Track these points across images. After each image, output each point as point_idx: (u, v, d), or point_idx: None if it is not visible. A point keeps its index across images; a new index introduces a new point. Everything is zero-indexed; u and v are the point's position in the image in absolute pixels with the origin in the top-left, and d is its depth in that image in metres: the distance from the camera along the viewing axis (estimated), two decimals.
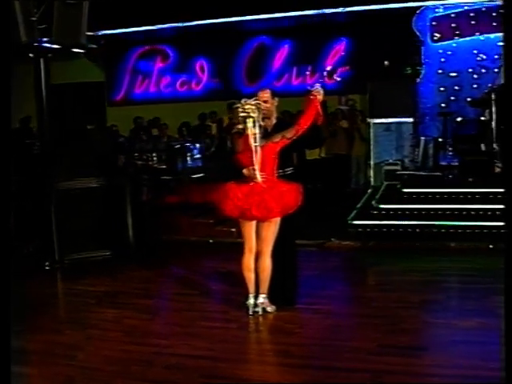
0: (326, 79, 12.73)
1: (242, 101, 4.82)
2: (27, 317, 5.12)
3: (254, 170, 4.84)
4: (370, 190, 9.68)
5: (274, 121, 5.18)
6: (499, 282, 6.22)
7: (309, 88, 5.13)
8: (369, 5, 11.29)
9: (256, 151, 4.79)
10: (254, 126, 4.79)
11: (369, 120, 10.43)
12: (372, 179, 10.26)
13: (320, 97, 4.98)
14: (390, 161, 10.06)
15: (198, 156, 9.45)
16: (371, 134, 10.37)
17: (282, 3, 11.84)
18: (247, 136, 4.88)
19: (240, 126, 4.96)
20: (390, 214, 8.11)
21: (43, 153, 6.75)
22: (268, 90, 5.17)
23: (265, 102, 5.02)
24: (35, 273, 6.81)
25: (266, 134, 4.92)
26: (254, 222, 5.00)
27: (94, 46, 7.65)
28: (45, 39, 6.42)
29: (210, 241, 8.22)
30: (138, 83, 13.86)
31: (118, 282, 6.42)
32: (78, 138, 7.22)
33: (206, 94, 13.56)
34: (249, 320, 5.01)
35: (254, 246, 5.02)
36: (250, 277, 5.04)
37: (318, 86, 5.04)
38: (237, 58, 13.33)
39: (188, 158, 8.62)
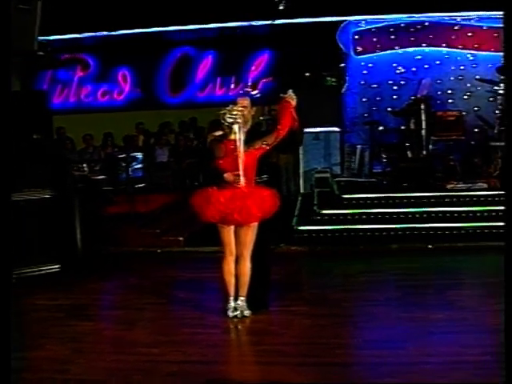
0: (250, 90, 13.02)
1: (229, 107, 4.91)
2: None
3: (238, 175, 4.92)
4: (300, 198, 10.02)
5: (247, 128, 5.29)
6: (447, 278, 6.73)
7: (281, 95, 5.28)
8: (294, 18, 11.64)
9: (241, 156, 4.89)
10: (240, 132, 4.89)
11: None
12: (301, 186, 10.60)
13: (294, 102, 5.16)
14: (319, 169, 10.42)
15: (139, 166, 9.36)
16: None
17: (206, 14, 11.95)
18: (228, 142, 4.96)
19: (220, 132, 5.05)
20: (332, 219, 8.45)
21: None
22: (248, 98, 5.29)
23: (243, 107, 5.13)
24: None
25: (245, 141, 5.02)
26: (233, 227, 5.08)
27: (42, 54, 7.39)
28: None
29: (158, 250, 8.15)
30: (57, 92, 13.44)
31: (81, 295, 6.23)
32: (23, 147, 6.90)
33: (129, 104, 13.39)
34: (229, 324, 5.07)
35: (234, 249, 5.09)
36: (230, 280, 5.10)
37: (290, 92, 5.22)
38: (160, 68, 13.28)
39: (129, 169, 8.52)
